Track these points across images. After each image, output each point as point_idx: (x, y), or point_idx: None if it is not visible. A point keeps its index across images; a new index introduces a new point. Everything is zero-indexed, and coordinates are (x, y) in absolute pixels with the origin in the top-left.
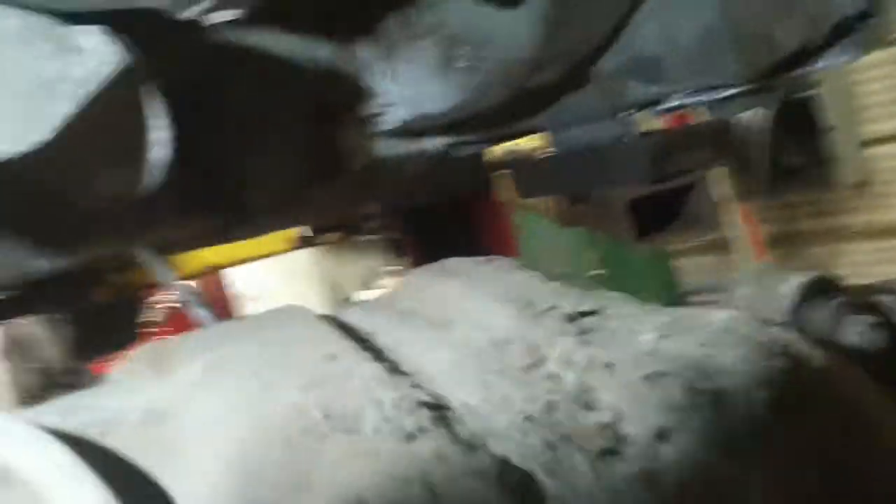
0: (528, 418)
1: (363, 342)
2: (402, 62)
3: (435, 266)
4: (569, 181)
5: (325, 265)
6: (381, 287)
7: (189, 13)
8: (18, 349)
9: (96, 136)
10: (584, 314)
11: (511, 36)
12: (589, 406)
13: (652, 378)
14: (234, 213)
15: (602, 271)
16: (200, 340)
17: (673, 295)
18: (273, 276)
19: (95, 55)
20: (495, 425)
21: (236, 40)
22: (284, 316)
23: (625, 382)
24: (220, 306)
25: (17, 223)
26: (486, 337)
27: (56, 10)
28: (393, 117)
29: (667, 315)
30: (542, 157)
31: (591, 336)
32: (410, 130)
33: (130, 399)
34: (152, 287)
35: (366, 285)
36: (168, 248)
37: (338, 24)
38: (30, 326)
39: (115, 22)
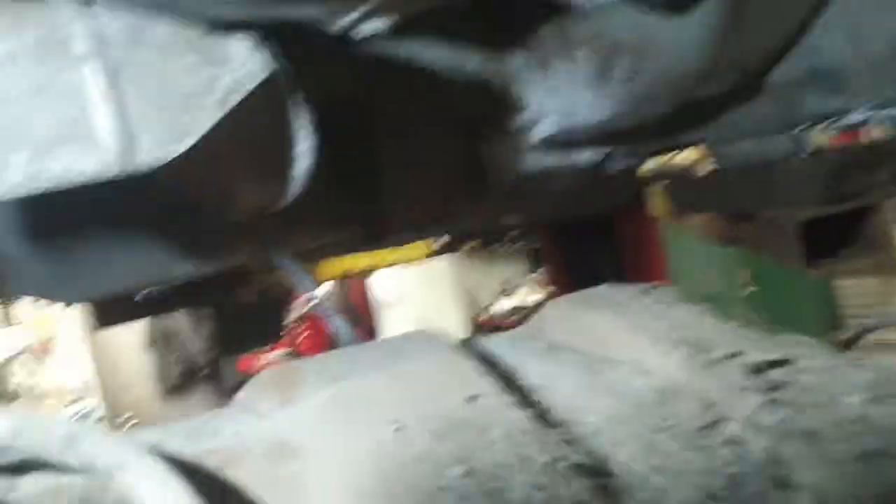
0: (711, 497)
1: (507, 380)
2: (555, 72)
3: (585, 293)
4: (732, 199)
5: (463, 272)
6: (519, 296)
7: (340, 24)
8: (162, 341)
9: (240, 147)
10: (771, 365)
11: (676, 45)
12: (784, 484)
13: (867, 457)
14: (376, 226)
15: (752, 291)
16: (330, 366)
17: (833, 321)
18: (411, 281)
19: (242, 65)
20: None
21: (385, 51)
22: (420, 344)
23: (830, 459)
24: (360, 310)
25: (161, 230)
26: (649, 384)
27: (204, 18)
28: (543, 129)
29: (871, 371)
30: (703, 172)
31: (781, 394)
32: (561, 143)
33: (254, 427)
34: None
35: (503, 294)
36: (307, 256)
37: (489, 34)
38: (174, 319)
39: (263, 32)
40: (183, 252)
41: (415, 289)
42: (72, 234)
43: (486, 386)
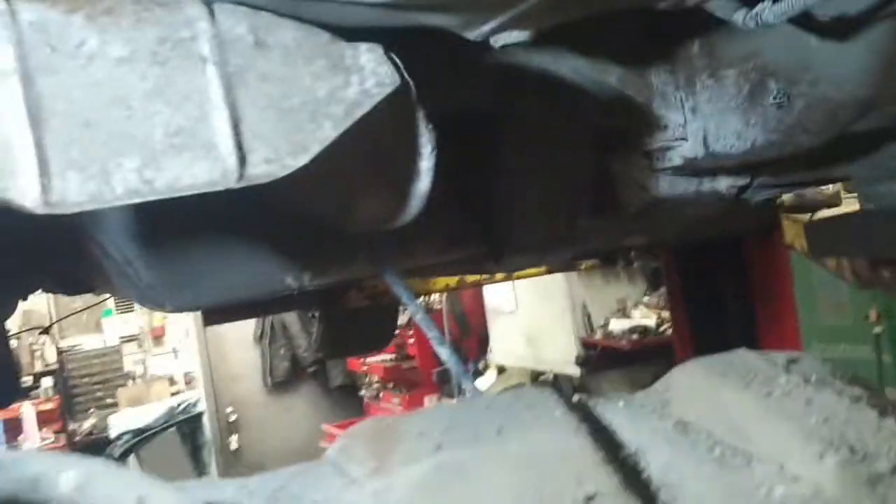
0: None
1: (628, 470)
2: (700, 92)
3: (720, 360)
4: (875, 243)
5: (579, 288)
6: (635, 318)
7: (477, 34)
8: (271, 336)
9: (362, 160)
10: None
11: (836, 72)
12: None
13: None
14: (496, 245)
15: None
16: (433, 428)
17: None
18: (527, 293)
19: (370, 76)
20: None
21: (516, 61)
22: (533, 410)
23: None
24: (471, 317)
25: (276, 241)
26: (796, 494)
27: (334, 24)
28: (683, 153)
29: None
30: (848, 211)
31: None
32: (701, 169)
33: (341, 497)
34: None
35: (618, 313)
36: (423, 272)
37: (631, 47)
38: (285, 316)
39: (394, 40)
40: (297, 263)
41: (528, 301)
42: (187, 242)
43: (604, 480)
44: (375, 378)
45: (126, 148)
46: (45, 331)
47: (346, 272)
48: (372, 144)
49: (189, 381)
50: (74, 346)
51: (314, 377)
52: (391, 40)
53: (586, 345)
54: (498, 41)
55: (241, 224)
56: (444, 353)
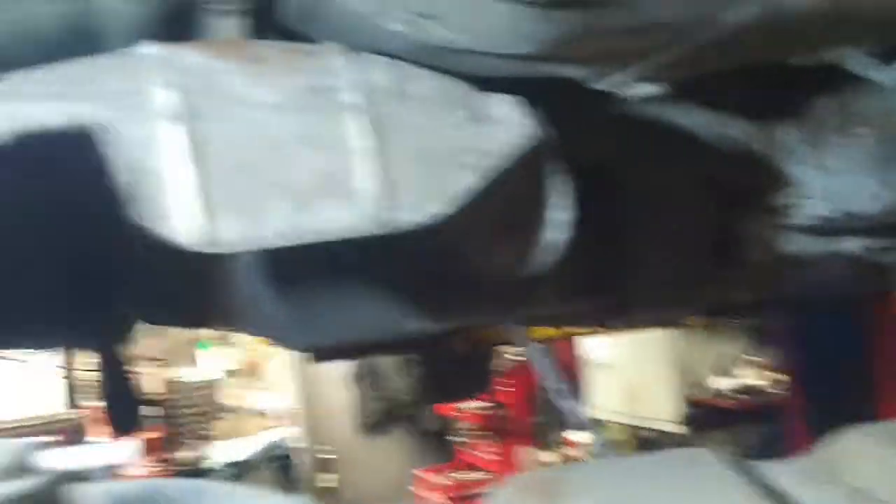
0: None
1: None
2: (830, 151)
3: (888, 427)
4: None
5: (679, 343)
6: (739, 377)
7: (608, 85)
8: (367, 377)
9: (495, 210)
10: None
11: None
12: None
13: None
14: (621, 300)
15: None
16: (599, 485)
17: None
18: (624, 347)
19: (507, 127)
20: None
21: (642, 114)
22: (695, 471)
23: None
24: (566, 369)
25: (402, 286)
26: None
27: (471, 74)
28: (810, 211)
29: None
30: None
31: None
32: (829, 228)
33: None
34: (508, 342)
35: (721, 372)
36: (539, 322)
37: (758, 102)
38: (381, 358)
39: (528, 91)
40: (420, 307)
41: (627, 354)
42: (314, 281)
43: None
44: (468, 424)
45: (278, 192)
46: (154, 361)
47: (468, 318)
48: (507, 194)
49: (284, 417)
50: (176, 377)
51: (407, 420)
52: (534, 94)
53: (691, 402)
54: (629, 93)
55: (367, 265)
56: (568, 405)
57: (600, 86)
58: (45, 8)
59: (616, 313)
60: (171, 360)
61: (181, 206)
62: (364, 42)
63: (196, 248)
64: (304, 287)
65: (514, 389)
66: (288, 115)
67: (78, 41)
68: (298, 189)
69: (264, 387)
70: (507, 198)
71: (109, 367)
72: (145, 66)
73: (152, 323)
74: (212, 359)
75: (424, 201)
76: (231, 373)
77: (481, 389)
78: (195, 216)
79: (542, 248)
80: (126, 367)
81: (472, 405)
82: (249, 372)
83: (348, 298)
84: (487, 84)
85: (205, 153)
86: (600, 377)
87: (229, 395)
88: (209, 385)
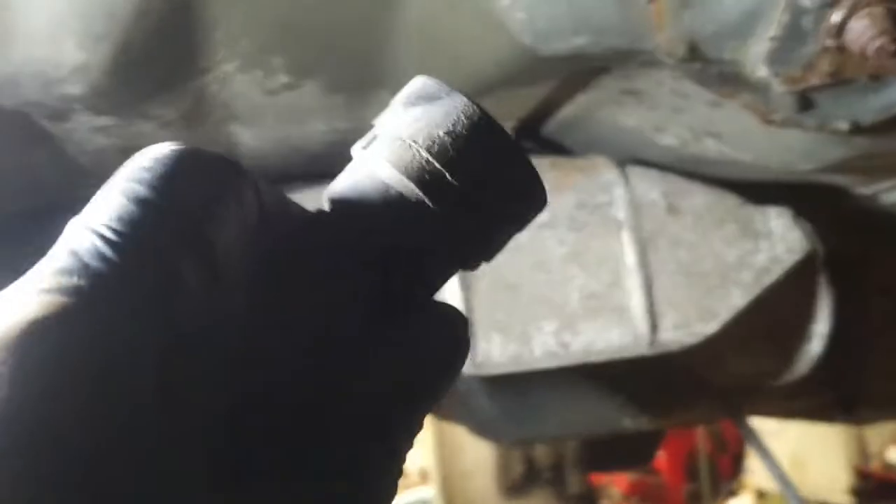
0: None
1: None
2: None
3: None
4: None
5: None
6: None
7: (872, 190)
8: None
9: (760, 325)
10: None
11: None
12: None
13: None
14: (848, 397)
15: None
16: None
17: None
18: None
19: (780, 241)
20: None
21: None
22: None
23: None
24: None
25: (616, 381)
26: None
27: (739, 180)
28: None
29: None
30: None
31: None
32: None
33: None
34: None
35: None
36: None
37: None
38: None
39: (799, 205)
40: (638, 404)
41: (792, 423)
42: (530, 377)
43: None
44: (617, 490)
45: (545, 311)
46: None
47: (688, 416)
48: (776, 309)
49: (419, 478)
50: None
51: (550, 483)
52: (803, 206)
53: (861, 474)
54: (891, 198)
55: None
56: (778, 474)
57: (865, 191)
58: (322, 126)
59: (840, 410)
60: None
61: None
62: (630, 153)
63: (466, 371)
64: (521, 383)
65: (668, 455)
66: (558, 233)
67: (341, 155)
68: (567, 308)
69: None
70: (774, 312)
71: None
72: None
73: None
74: None
75: (693, 320)
76: None
77: (648, 459)
78: None
79: (798, 360)
80: None
81: (625, 476)
82: None
83: (564, 394)
84: (763, 197)
85: (471, 274)
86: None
87: None
88: None
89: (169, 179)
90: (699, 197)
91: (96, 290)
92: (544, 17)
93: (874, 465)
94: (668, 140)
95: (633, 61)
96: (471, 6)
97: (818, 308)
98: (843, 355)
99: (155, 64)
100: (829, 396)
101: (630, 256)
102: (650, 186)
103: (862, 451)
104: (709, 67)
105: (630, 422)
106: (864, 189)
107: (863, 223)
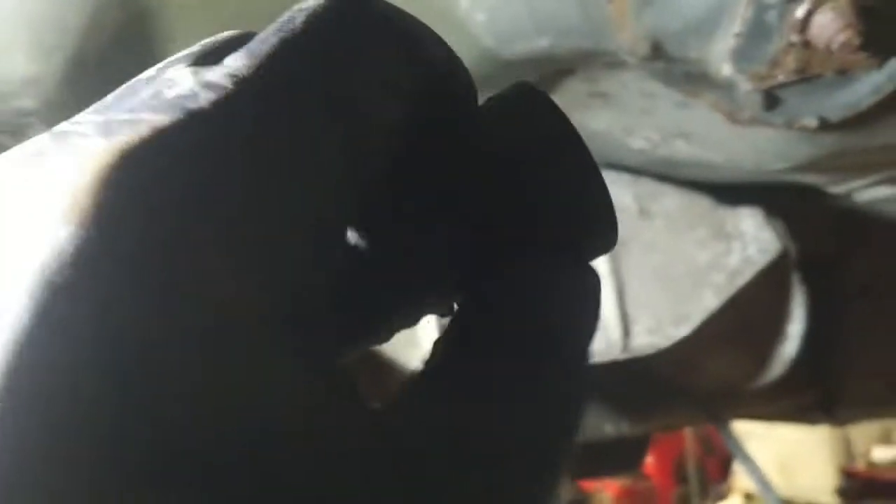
0: None
1: None
2: None
3: None
4: None
5: None
6: None
7: (844, 189)
8: None
9: (733, 327)
10: None
11: None
12: None
13: None
14: (828, 397)
15: None
16: None
17: None
18: None
19: (752, 241)
20: None
21: (870, 211)
22: None
23: None
24: (719, 438)
25: (599, 391)
26: None
27: (713, 183)
28: None
29: None
30: None
31: None
32: None
33: None
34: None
35: (883, 441)
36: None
37: None
38: None
39: (769, 205)
40: (618, 411)
41: (778, 426)
42: None
43: None
44: (607, 495)
45: None
46: None
47: (668, 419)
48: (749, 310)
49: None
50: None
51: None
52: (772, 205)
53: (847, 474)
54: (863, 196)
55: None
56: (762, 482)
57: (837, 190)
58: None
59: (820, 411)
60: None
61: (420, 341)
62: (600, 157)
63: None
64: None
65: (656, 459)
66: None
67: None
68: None
69: None
70: (748, 314)
71: None
72: None
73: None
74: None
75: (665, 324)
76: None
77: (635, 467)
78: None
79: (774, 362)
80: None
81: (615, 483)
82: None
83: None
84: (735, 198)
85: None
86: (752, 447)
87: None
88: None
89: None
90: (671, 199)
91: (223, 104)
92: (505, 19)
93: (859, 465)
94: (638, 143)
95: (598, 62)
96: (430, 9)
97: (792, 308)
98: (822, 356)
99: (111, 76)
100: (809, 398)
101: (602, 263)
102: (621, 191)
103: (848, 452)
104: (673, 66)
105: (611, 427)
106: (837, 188)
107: (838, 222)
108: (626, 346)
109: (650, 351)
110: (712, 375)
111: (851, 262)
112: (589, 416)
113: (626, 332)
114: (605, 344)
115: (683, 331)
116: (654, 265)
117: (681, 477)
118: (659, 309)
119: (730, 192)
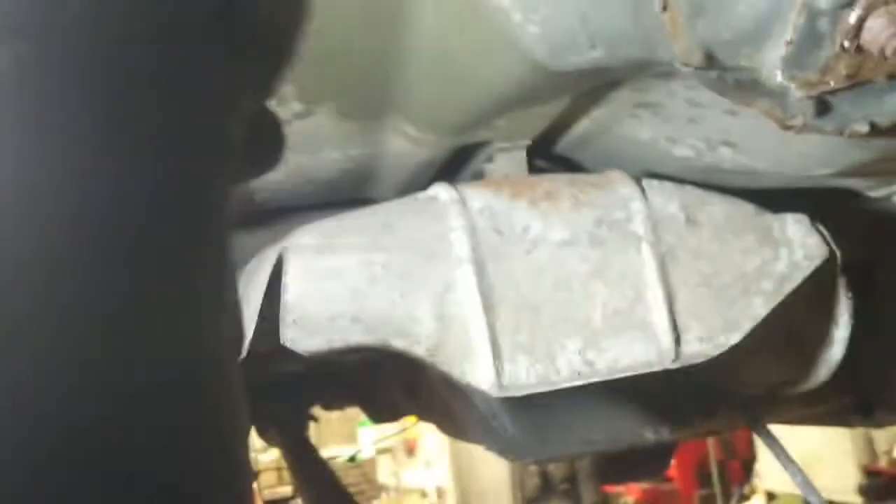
0: None
1: None
2: None
3: None
4: None
5: None
6: None
7: (883, 193)
8: None
9: (782, 332)
10: None
11: None
12: None
13: None
14: (867, 400)
15: None
16: None
17: None
18: None
19: (798, 248)
20: None
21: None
22: None
23: None
24: (741, 440)
25: (636, 395)
26: None
27: (754, 189)
28: None
29: None
30: None
31: None
32: None
33: None
34: None
35: None
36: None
37: None
38: None
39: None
40: (658, 416)
41: (801, 426)
42: (551, 396)
43: None
44: (630, 499)
45: (568, 330)
46: None
47: (709, 425)
48: (788, 314)
49: (441, 495)
50: (332, 456)
51: (565, 495)
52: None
53: (869, 472)
54: None
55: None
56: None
57: (877, 193)
58: (336, 154)
59: (859, 414)
60: (328, 437)
61: (476, 352)
62: (644, 166)
63: (495, 394)
64: (542, 402)
65: (678, 463)
66: (578, 250)
67: (353, 182)
68: (590, 326)
69: (420, 464)
70: (795, 319)
71: (298, 453)
72: (443, 211)
73: (338, 409)
74: (370, 436)
75: (716, 331)
76: (387, 451)
77: (662, 471)
78: (488, 361)
79: (820, 366)
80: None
81: (637, 486)
82: (406, 450)
83: (584, 411)
84: (780, 205)
85: (494, 296)
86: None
87: (387, 474)
88: (366, 463)
89: None
90: (717, 207)
91: None
92: (559, 31)
93: (882, 463)
94: (683, 151)
95: (648, 73)
96: (482, 24)
97: (838, 313)
98: (861, 359)
99: None
100: (848, 401)
101: (651, 271)
102: (667, 199)
103: (870, 450)
104: (725, 75)
105: (651, 434)
106: (877, 191)
107: (876, 226)
108: (678, 355)
109: (701, 359)
110: (757, 381)
111: (889, 264)
112: (629, 421)
113: (678, 340)
114: (657, 353)
115: (734, 338)
116: (702, 273)
117: (703, 480)
118: (709, 317)
119: (770, 198)
